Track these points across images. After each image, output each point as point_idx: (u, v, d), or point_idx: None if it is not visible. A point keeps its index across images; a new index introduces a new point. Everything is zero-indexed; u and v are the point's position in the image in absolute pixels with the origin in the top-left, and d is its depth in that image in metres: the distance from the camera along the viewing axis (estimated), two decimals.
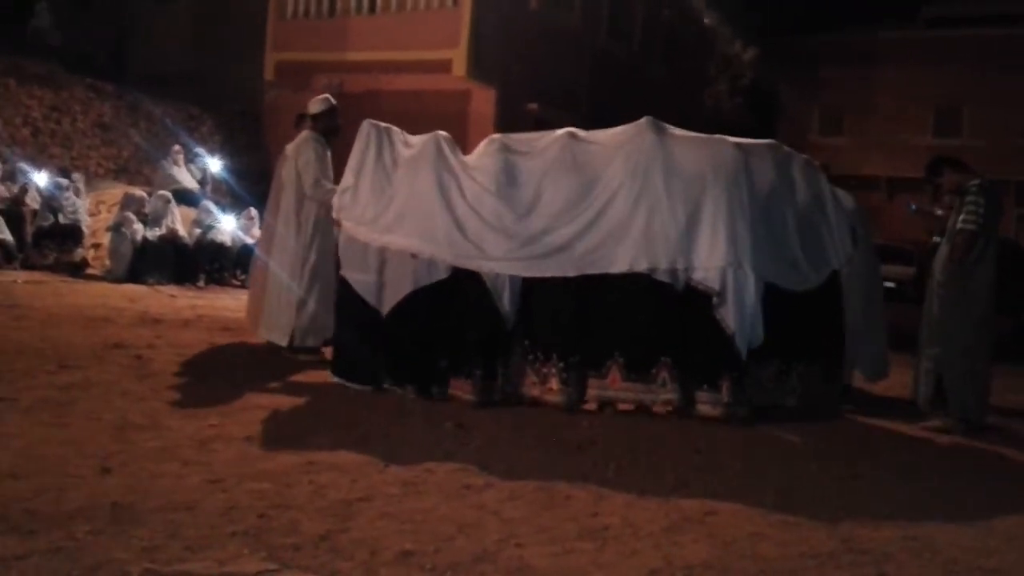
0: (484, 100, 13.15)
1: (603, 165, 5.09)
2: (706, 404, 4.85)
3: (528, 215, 5.02)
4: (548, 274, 4.91)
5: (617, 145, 5.16)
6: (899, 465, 4.33)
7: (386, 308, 5.13)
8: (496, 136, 5.40)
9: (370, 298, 5.16)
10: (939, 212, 5.74)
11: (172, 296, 8.77)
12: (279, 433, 4.02)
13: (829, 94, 25.02)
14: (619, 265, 4.88)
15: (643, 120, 5.22)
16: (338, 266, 5.40)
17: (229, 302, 8.70)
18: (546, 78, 13.69)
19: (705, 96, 20.16)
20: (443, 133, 5.39)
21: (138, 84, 14.23)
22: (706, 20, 20.17)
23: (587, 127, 5.54)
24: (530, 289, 4.98)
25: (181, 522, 2.81)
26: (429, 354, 5.00)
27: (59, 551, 2.52)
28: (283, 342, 5.86)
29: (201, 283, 9.83)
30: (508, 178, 5.10)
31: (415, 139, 5.44)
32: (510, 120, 12.33)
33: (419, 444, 4.03)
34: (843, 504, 3.55)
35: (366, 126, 5.42)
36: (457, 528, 2.97)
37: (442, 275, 5.03)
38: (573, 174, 5.07)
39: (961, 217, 5.17)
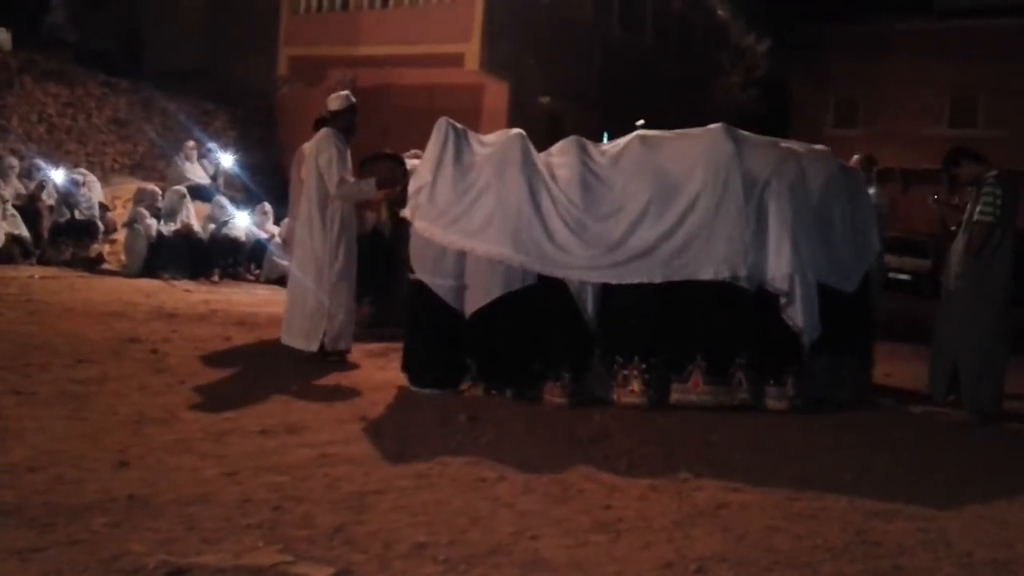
0: (497, 94, 13.07)
1: (682, 171, 5.11)
2: (773, 399, 5.02)
3: (607, 220, 5.02)
4: (636, 280, 4.93)
5: (694, 152, 5.18)
6: (913, 457, 4.31)
7: (469, 311, 5.04)
8: (571, 138, 5.33)
9: (450, 301, 5.06)
10: (956, 202, 5.71)
11: (187, 291, 8.81)
12: (293, 426, 4.04)
13: (843, 85, 24.72)
14: (705, 272, 4.94)
15: (718, 127, 5.27)
16: (408, 267, 5.23)
17: (244, 297, 8.74)
18: (559, 72, 13.61)
19: (718, 88, 20.02)
20: (522, 132, 5.29)
21: (152, 80, 14.28)
22: (719, 12, 20.03)
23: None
24: (609, 291, 4.99)
25: (197, 514, 2.84)
26: (522, 357, 4.97)
27: (77, 543, 2.55)
28: (313, 347, 5.58)
29: (216, 278, 9.86)
30: (587, 183, 5.08)
31: (491, 137, 5.35)
32: (523, 114, 12.29)
33: (433, 437, 4.04)
34: (857, 497, 3.53)
35: (443, 123, 5.23)
36: (471, 520, 2.98)
37: (532, 280, 4.96)
38: (649, 178, 5.07)
39: (978, 208, 5.15)
